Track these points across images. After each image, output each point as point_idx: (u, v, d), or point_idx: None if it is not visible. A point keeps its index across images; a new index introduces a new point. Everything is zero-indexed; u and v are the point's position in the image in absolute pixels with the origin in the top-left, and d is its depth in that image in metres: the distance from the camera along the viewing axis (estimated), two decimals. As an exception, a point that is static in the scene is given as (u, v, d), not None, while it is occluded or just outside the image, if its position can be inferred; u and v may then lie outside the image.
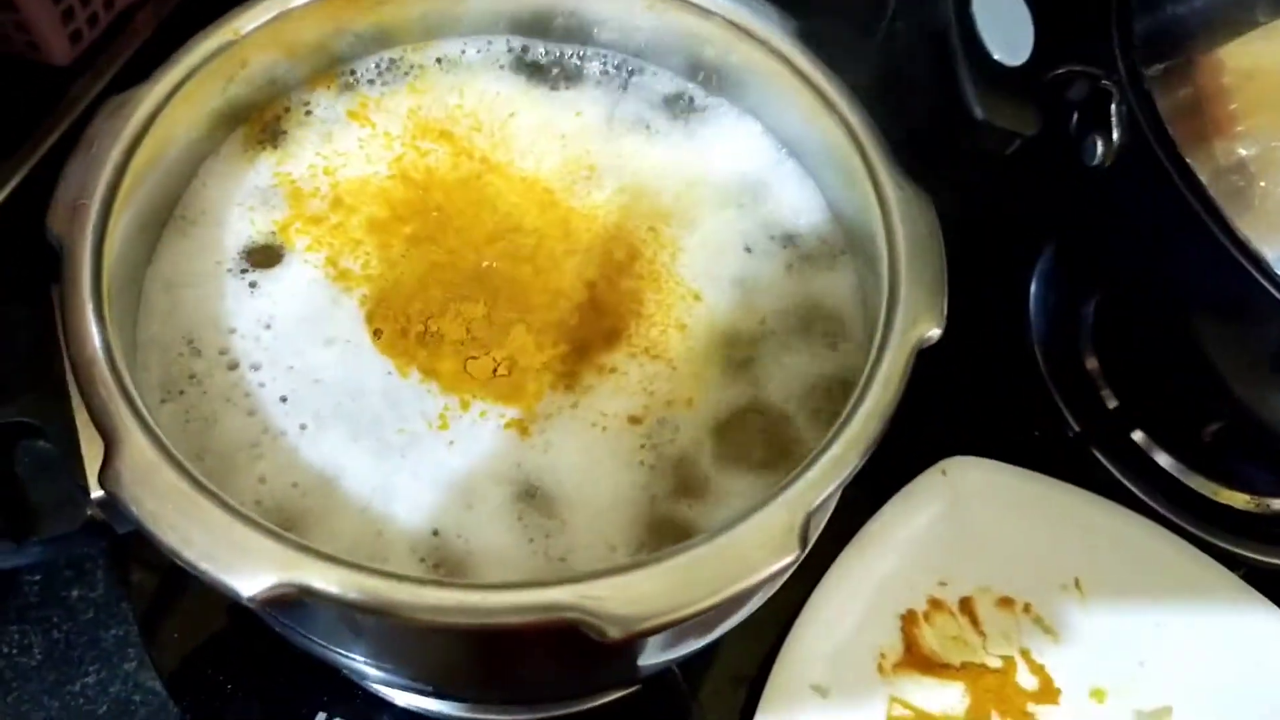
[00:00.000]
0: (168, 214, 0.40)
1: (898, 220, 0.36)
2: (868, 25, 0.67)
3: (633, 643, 0.28)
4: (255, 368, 0.37)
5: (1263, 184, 0.43)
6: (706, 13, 0.42)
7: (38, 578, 0.53)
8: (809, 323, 0.40)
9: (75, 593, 0.53)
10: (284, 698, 0.48)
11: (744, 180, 0.44)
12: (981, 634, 0.51)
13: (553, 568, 0.34)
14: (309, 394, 0.37)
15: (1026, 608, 0.52)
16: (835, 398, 0.38)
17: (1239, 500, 0.57)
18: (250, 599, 0.27)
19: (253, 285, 0.39)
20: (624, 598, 0.28)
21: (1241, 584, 0.52)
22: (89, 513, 0.32)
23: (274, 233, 0.40)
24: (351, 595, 0.28)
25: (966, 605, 0.52)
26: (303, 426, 0.36)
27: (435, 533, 0.34)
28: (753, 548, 0.29)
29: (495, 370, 0.38)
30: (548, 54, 0.46)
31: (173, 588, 0.51)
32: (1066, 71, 0.46)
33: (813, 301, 0.41)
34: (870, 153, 0.38)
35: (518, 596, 0.28)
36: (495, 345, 0.38)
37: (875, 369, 0.33)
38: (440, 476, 0.35)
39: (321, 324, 0.38)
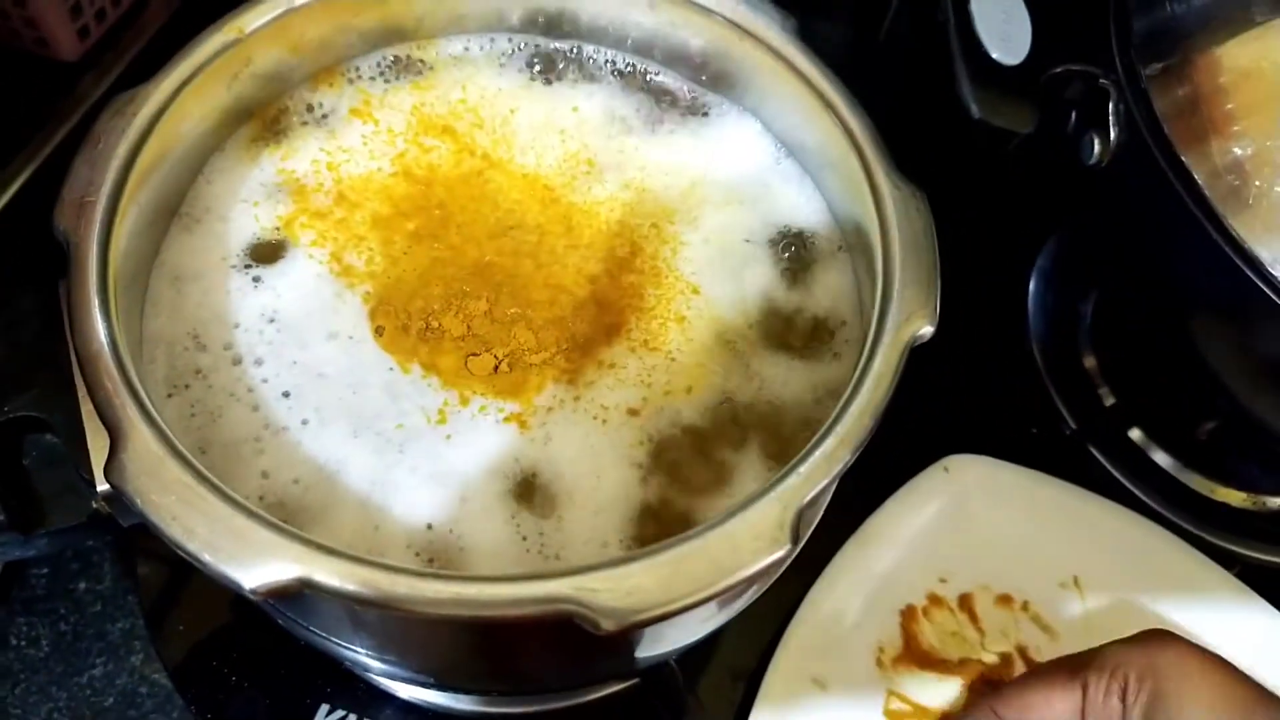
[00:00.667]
0: (174, 210, 0.40)
1: (893, 219, 0.37)
2: (867, 25, 0.67)
3: (628, 635, 0.29)
4: (259, 362, 0.38)
5: (1258, 183, 0.43)
6: (707, 12, 0.43)
7: (45, 570, 0.54)
8: (807, 318, 0.41)
9: (82, 585, 0.54)
10: (288, 690, 0.48)
11: (743, 178, 0.44)
12: (980, 630, 0.52)
13: (548, 565, 0.34)
14: (311, 389, 0.37)
15: (1025, 605, 0.53)
16: (831, 392, 0.38)
17: (1236, 498, 0.57)
18: (252, 591, 0.28)
19: (256, 280, 0.39)
20: (618, 590, 0.28)
21: (1237, 582, 0.52)
22: (94, 506, 0.32)
23: (278, 228, 0.41)
24: (350, 587, 0.28)
25: (965, 602, 0.52)
26: (304, 421, 0.36)
27: (430, 527, 0.35)
28: (745, 542, 0.29)
29: (496, 366, 0.38)
30: (550, 51, 0.47)
31: (178, 581, 0.51)
32: (1064, 70, 0.47)
33: (811, 298, 0.41)
34: (867, 152, 0.38)
35: (513, 589, 0.28)
36: (496, 342, 0.39)
37: (868, 366, 0.33)
38: (438, 471, 0.36)
39: (325, 319, 0.39)
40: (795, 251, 0.42)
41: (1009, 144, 0.46)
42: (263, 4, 0.39)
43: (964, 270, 0.44)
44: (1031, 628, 0.52)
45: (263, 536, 0.29)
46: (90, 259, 0.33)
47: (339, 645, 0.37)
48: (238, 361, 0.37)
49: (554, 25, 0.46)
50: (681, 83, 0.46)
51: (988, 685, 0.50)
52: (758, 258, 0.42)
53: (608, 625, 0.28)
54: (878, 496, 0.53)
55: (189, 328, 0.38)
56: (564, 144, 0.44)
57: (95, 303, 0.32)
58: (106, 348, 0.31)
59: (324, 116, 0.44)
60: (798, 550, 0.31)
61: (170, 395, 0.37)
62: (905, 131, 0.43)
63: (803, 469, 0.31)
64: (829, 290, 0.41)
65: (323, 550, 0.29)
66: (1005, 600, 0.53)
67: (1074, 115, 0.48)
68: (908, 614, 0.52)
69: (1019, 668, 0.51)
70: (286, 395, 0.37)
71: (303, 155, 0.43)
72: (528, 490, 0.36)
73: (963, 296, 0.41)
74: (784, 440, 0.37)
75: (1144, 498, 0.56)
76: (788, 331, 0.40)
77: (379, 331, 0.39)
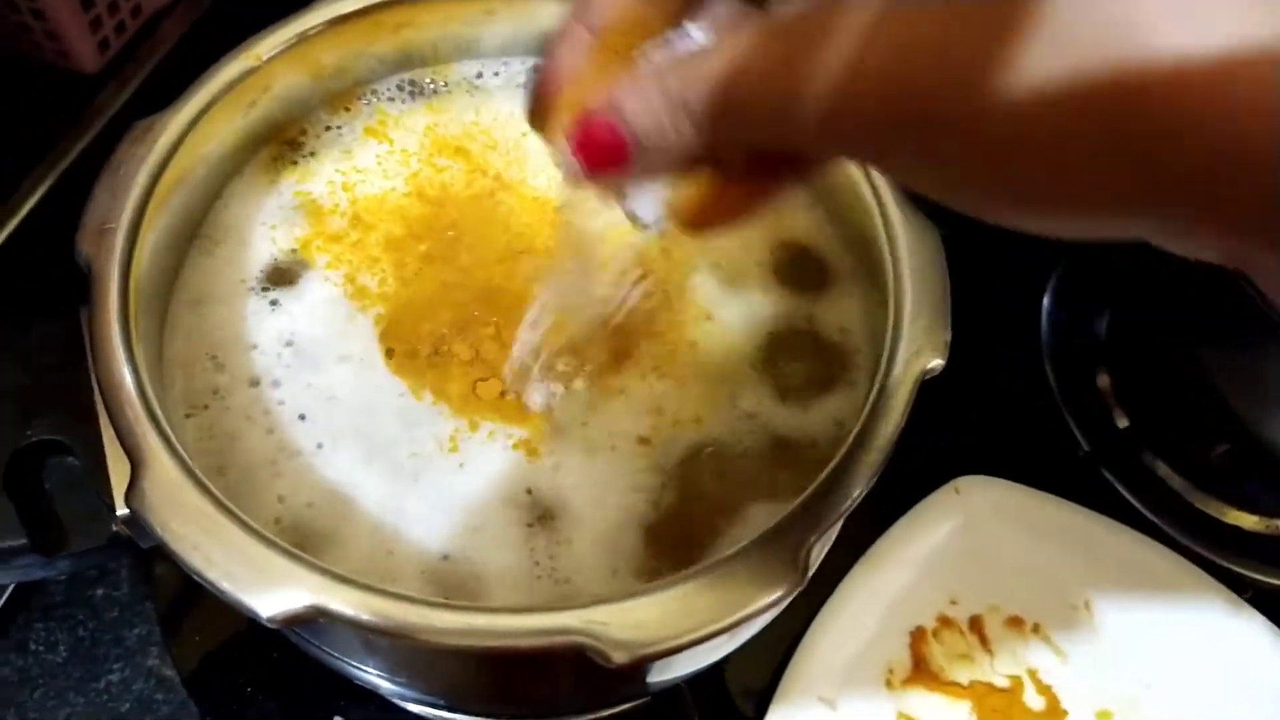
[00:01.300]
0: (193, 233, 0.41)
1: (903, 251, 0.37)
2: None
3: (637, 667, 0.29)
4: (275, 385, 0.38)
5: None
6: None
7: (63, 577, 0.55)
8: (819, 346, 0.41)
9: (100, 592, 0.55)
10: (301, 701, 0.49)
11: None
12: (990, 653, 0.52)
13: (558, 590, 0.34)
14: (326, 412, 0.37)
15: (1036, 628, 0.52)
16: (843, 422, 0.39)
17: (1247, 521, 0.57)
18: (269, 619, 0.28)
19: (274, 303, 0.40)
20: (628, 624, 0.29)
21: (1248, 607, 0.52)
22: (114, 529, 0.33)
23: (295, 250, 0.41)
24: (364, 617, 0.29)
25: (976, 624, 0.52)
26: (319, 445, 0.37)
27: (445, 557, 0.35)
28: (753, 577, 0.29)
29: (503, 392, 0.38)
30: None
31: (195, 589, 0.52)
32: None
33: (823, 326, 0.41)
34: (878, 182, 0.39)
35: (525, 620, 0.29)
36: (501, 366, 0.39)
37: (879, 400, 0.33)
38: (450, 500, 0.36)
39: (338, 341, 0.39)
40: (807, 279, 0.42)
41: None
42: (279, 31, 0.40)
43: (978, 290, 0.44)
44: (1042, 650, 0.52)
45: (279, 565, 0.29)
46: (111, 287, 0.33)
47: (351, 666, 0.38)
48: (255, 383, 0.38)
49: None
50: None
51: (997, 708, 0.50)
52: (769, 284, 0.42)
53: (618, 658, 0.28)
54: (889, 517, 0.53)
55: (208, 349, 0.38)
56: None
57: (116, 331, 0.33)
58: (128, 376, 0.32)
59: (340, 137, 0.44)
60: (806, 583, 0.31)
61: (189, 416, 0.37)
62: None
63: (812, 504, 0.31)
64: (841, 318, 0.41)
65: (338, 579, 0.29)
66: (1016, 622, 0.53)
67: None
68: (917, 635, 0.52)
69: (1029, 690, 0.51)
70: (302, 418, 0.37)
71: (319, 177, 0.43)
72: (538, 517, 0.36)
73: (976, 317, 0.41)
74: (794, 471, 0.37)
75: (1156, 520, 0.56)
76: (799, 359, 0.40)
77: (389, 354, 0.39)
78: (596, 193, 0.27)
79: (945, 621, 0.52)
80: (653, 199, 0.27)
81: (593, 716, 0.47)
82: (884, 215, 0.38)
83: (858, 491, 0.31)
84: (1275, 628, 0.52)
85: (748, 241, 0.43)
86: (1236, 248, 0.19)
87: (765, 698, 0.49)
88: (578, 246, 0.35)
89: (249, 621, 0.50)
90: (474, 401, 0.38)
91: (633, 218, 0.28)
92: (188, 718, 0.52)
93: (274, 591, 0.29)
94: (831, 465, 0.32)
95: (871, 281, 0.40)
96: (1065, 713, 0.50)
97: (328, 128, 0.44)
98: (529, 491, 0.36)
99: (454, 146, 0.45)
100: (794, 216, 0.44)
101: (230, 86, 0.39)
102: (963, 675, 0.51)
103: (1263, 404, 0.47)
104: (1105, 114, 0.18)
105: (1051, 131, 0.19)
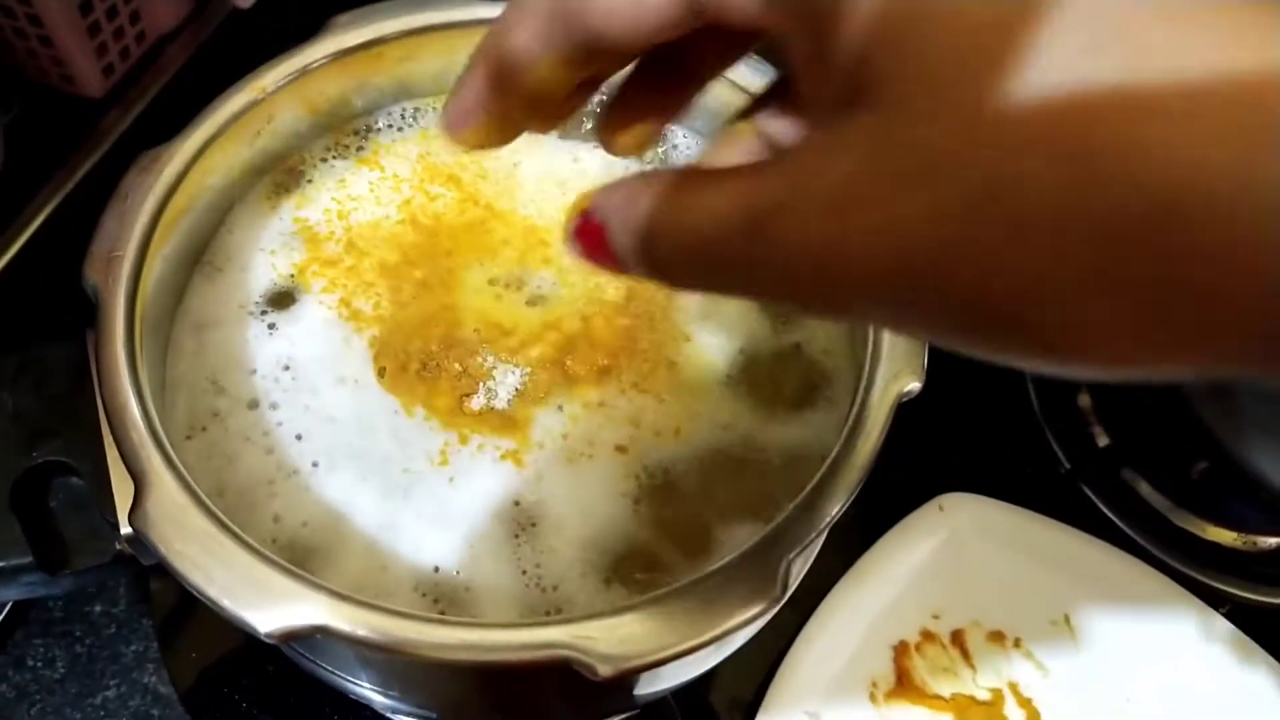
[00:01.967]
0: (197, 259, 0.42)
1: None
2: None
3: (623, 679, 0.30)
4: (274, 407, 0.39)
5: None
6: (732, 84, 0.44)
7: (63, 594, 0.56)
8: (798, 367, 0.42)
9: (98, 608, 0.56)
10: (296, 716, 0.50)
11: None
12: (972, 667, 0.53)
13: (545, 598, 0.36)
14: (322, 433, 0.39)
15: (1017, 642, 0.54)
16: (822, 442, 0.40)
17: (1227, 538, 0.58)
18: (269, 635, 0.29)
19: (272, 327, 0.41)
20: (613, 638, 0.30)
21: (1225, 622, 0.53)
22: (118, 547, 0.34)
23: (292, 275, 0.42)
24: (362, 633, 0.30)
25: (958, 638, 0.54)
26: (315, 464, 0.38)
27: (436, 569, 0.36)
28: (734, 592, 0.31)
29: (491, 404, 0.39)
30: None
31: (191, 605, 0.53)
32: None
33: (803, 347, 0.42)
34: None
35: (515, 635, 0.30)
36: (488, 380, 0.40)
37: (858, 421, 0.34)
38: (441, 514, 0.37)
39: (334, 364, 0.40)
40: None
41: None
42: (283, 64, 0.41)
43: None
44: (1023, 664, 0.53)
45: (279, 583, 0.30)
46: (118, 314, 0.34)
47: (345, 680, 0.39)
48: (254, 405, 0.39)
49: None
50: (689, 137, 0.48)
51: (979, 720, 0.51)
52: (750, 306, 0.43)
53: (604, 671, 0.29)
54: (874, 533, 0.55)
55: (209, 373, 0.40)
56: (564, 196, 0.46)
57: (122, 356, 0.34)
58: (133, 400, 0.33)
59: (335, 165, 0.46)
60: (786, 598, 0.32)
61: (189, 438, 0.38)
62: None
63: (792, 521, 0.32)
64: (820, 340, 0.42)
65: (336, 596, 0.30)
66: (997, 637, 0.54)
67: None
68: (901, 649, 0.53)
69: (1010, 704, 0.52)
70: (299, 438, 0.38)
71: (316, 203, 0.44)
72: (525, 526, 0.37)
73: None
74: (773, 488, 0.38)
75: (1136, 537, 0.57)
76: (779, 380, 0.41)
77: (381, 373, 0.40)
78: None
79: (928, 635, 0.53)
80: None
81: (583, 730, 0.48)
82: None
83: (837, 509, 0.33)
84: (1252, 642, 0.53)
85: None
86: None
87: (751, 710, 0.50)
88: None
89: (245, 637, 0.52)
90: (460, 415, 0.39)
91: None
92: (184, 733, 0.53)
93: (273, 609, 0.30)
94: (811, 483, 0.33)
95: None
96: (1046, 725, 0.51)
97: (323, 158, 0.46)
98: (516, 503, 0.38)
99: (446, 174, 0.46)
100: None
101: (235, 118, 0.40)
102: (945, 688, 0.52)
103: (1239, 423, 0.49)
104: None
105: None
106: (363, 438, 0.39)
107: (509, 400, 0.40)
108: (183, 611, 0.53)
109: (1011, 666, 0.53)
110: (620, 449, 0.39)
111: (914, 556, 0.55)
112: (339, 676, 0.38)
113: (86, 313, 0.36)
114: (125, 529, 0.33)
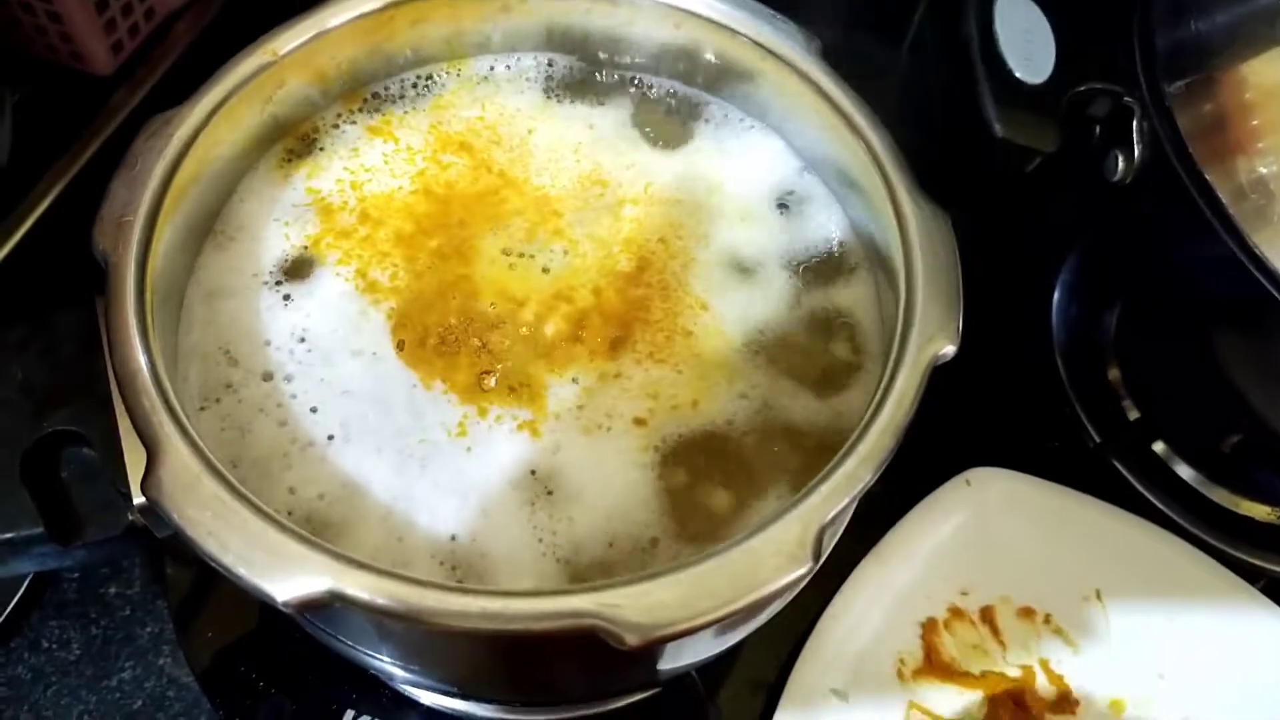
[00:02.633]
0: (208, 228, 0.41)
1: (915, 238, 0.37)
2: (891, 41, 0.67)
3: (650, 649, 0.29)
4: (288, 379, 0.38)
5: (1283, 201, 0.43)
6: (732, 32, 0.43)
7: (76, 576, 0.55)
8: (827, 333, 0.41)
9: (113, 590, 0.55)
10: (314, 696, 0.49)
11: (763, 194, 0.44)
12: (1001, 643, 0.52)
13: (560, 567, 0.35)
14: (338, 405, 0.38)
15: (1047, 618, 0.53)
16: (852, 409, 0.39)
17: (1260, 512, 0.57)
18: (285, 603, 0.28)
19: (287, 298, 0.40)
20: (641, 606, 0.29)
21: (1261, 597, 0.52)
22: (130, 518, 0.33)
23: (307, 246, 0.41)
24: (380, 601, 0.29)
25: (987, 614, 0.52)
26: (330, 437, 0.37)
27: (453, 538, 0.35)
28: (766, 559, 0.30)
29: (508, 378, 0.39)
30: (573, 70, 0.47)
31: (206, 586, 0.52)
32: (1088, 89, 0.47)
33: (830, 314, 0.41)
34: (890, 171, 0.39)
35: (539, 604, 0.29)
36: (506, 353, 0.39)
37: (890, 386, 0.33)
38: (458, 484, 0.36)
39: (350, 336, 0.39)
40: (815, 268, 0.42)
41: (1032, 162, 0.46)
42: (296, 27, 0.40)
43: (988, 283, 0.44)
44: (1054, 641, 0.52)
45: (295, 550, 0.29)
46: (128, 278, 0.34)
47: (364, 654, 0.38)
48: (268, 377, 0.38)
49: (578, 44, 0.47)
50: (705, 100, 0.47)
51: (1009, 697, 0.50)
52: (773, 275, 0.42)
53: (632, 640, 0.28)
54: (899, 509, 0.54)
55: (222, 343, 0.39)
56: (579, 163, 0.45)
57: (133, 322, 0.33)
58: (144, 366, 0.32)
59: (347, 135, 0.45)
60: (819, 565, 0.31)
61: (203, 409, 0.37)
62: (929, 150, 0.44)
63: (824, 488, 0.31)
64: (849, 307, 0.41)
65: (353, 564, 0.29)
66: (1027, 613, 0.53)
67: (1098, 133, 0.48)
68: (929, 626, 0.52)
69: (1041, 680, 0.51)
70: (314, 411, 0.38)
71: (328, 174, 0.43)
72: (541, 496, 0.36)
73: (987, 309, 0.41)
74: (803, 457, 0.37)
75: (1167, 511, 0.56)
76: (803, 346, 0.40)
77: (400, 346, 0.39)
78: None
79: (956, 612, 0.52)
80: None
81: (604, 707, 0.47)
82: (895, 203, 0.38)
83: (870, 476, 0.32)
84: (1288, 618, 0.52)
85: (753, 234, 0.43)
86: None
87: (776, 690, 0.49)
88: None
89: (261, 617, 0.52)
90: (479, 390, 0.38)
91: None
92: (200, 714, 0.52)
93: (290, 576, 0.29)
94: (844, 449, 0.32)
95: (882, 270, 0.40)
96: (1078, 702, 0.50)
97: (336, 125, 0.45)
98: (533, 472, 0.37)
99: (458, 142, 0.45)
100: (802, 208, 0.44)
101: (246, 81, 0.39)
102: (974, 665, 0.51)
103: (1275, 394, 0.47)
104: None
105: None
106: (379, 410, 0.38)
107: (526, 372, 0.39)
108: (198, 593, 0.53)
109: (1042, 643, 0.52)
110: (639, 421, 0.38)
111: (941, 532, 0.54)
112: (359, 651, 0.37)
113: (96, 281, 0.35)
114: (138, 499, 0.32)
